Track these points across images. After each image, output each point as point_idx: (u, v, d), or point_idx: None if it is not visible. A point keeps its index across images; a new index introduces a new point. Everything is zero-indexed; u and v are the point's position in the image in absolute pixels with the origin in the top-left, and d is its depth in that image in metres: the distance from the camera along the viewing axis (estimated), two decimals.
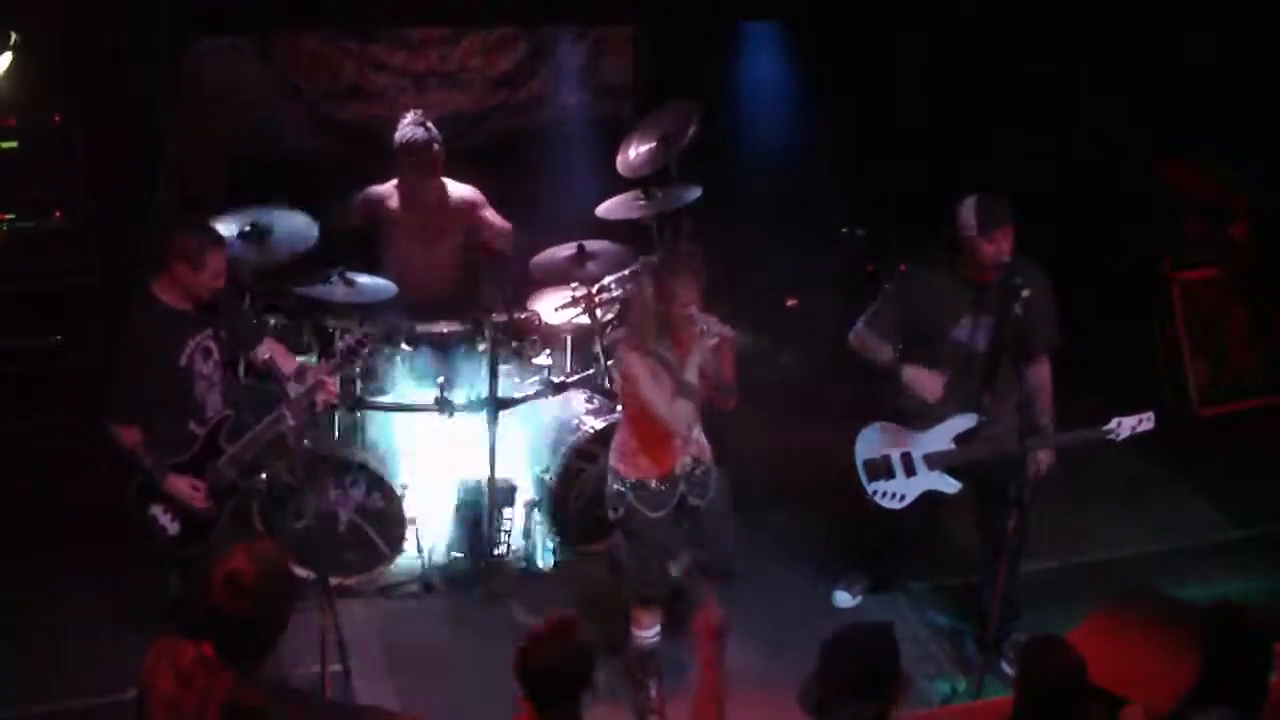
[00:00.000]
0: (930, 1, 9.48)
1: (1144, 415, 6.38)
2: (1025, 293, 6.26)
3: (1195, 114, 8.63)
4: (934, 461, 6.70)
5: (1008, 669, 6.67)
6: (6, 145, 7.92)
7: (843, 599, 7.34)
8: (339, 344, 6.77)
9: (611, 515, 6.48)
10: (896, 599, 7.39)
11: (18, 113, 7.89)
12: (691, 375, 6.18)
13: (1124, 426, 6.40)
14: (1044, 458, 6.62)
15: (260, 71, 9.21)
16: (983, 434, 6.61)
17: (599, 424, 7.33)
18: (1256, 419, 8.99)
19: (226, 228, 7.03)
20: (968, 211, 6.35)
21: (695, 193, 7.85)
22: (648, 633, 6.54)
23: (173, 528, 6.53)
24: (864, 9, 9.38)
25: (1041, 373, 6.68)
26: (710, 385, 6.33)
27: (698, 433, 6.48)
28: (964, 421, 6.62)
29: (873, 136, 9.59)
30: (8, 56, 7.51)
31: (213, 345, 6.54)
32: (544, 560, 7.49)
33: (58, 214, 8.07)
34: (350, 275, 7.26)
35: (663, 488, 6.38)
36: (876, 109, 9.69)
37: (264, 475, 6.65)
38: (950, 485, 6.74)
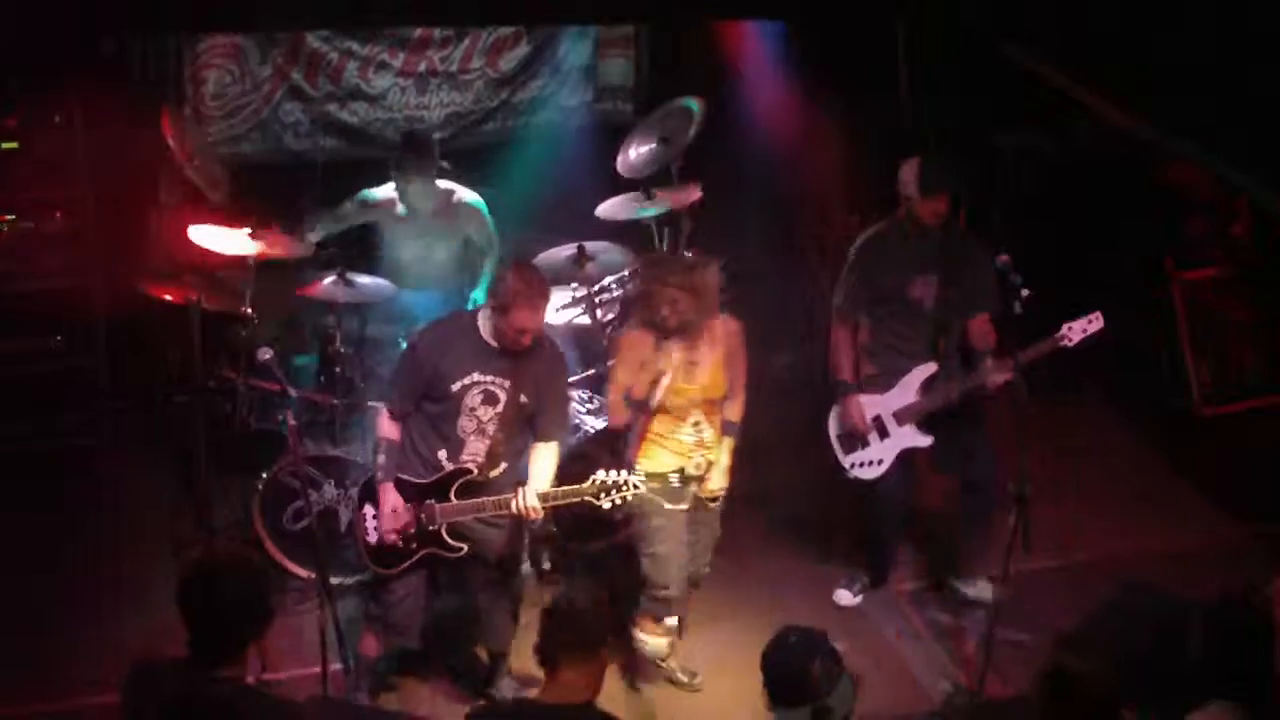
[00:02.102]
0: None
1: (1092, 316, 6.60)
2: (1025, 292, 6.36)
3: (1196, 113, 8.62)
4: (903, 417, 6.91)
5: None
6: (7, 145, 7.92)
7: (844, 597, 7.34)
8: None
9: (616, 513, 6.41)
10: (897, 599, 7.40)
11: (19, 114, 7.90)
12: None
13: (1075, 330, 6.59)
14: (996, 376, 6.76)
15: (261, 71, 9.22)
16: (942, 379, 6.88)
17: (599, 424, 7.33)
18: (1258, 418, 8.98)
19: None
20: (909, 172, 6.81)
21: (695, 193, 7.85)
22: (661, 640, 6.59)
23: (372, 536, 6.23)
24: (864, 8, 9.36)
25: (976, 323, 6.91)
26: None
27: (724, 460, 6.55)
28: (924, 370, 6.88)
29: (874, 136, 9.59)
30: None
31: (502, 395, 6.10)
32: (544, 559, 7.47)
33: (58, 214, 8.08)
34: (350, 276, 7.26)
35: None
36: (877, 108, 9.69)
37: (464, 547, 6.21)
38: (923, 439, 6.92)
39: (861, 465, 7.02)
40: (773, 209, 9.58)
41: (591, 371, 7.62)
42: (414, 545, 6.19)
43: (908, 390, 6.91)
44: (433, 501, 6.13)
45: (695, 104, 7.98)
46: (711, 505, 6.59)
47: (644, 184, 7.85)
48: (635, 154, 8.01)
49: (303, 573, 7.13)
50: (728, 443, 6.52)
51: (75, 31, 7.97)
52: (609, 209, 7.83)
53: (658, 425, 6.37)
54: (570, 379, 7.50)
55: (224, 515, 7.43)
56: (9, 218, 8.01)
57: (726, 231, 8.56)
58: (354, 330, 7.40)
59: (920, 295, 6.90)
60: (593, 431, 7.32)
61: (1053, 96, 8.63)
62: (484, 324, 6.08)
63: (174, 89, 8.99)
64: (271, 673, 4.43)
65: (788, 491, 8.07)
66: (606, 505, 6.09)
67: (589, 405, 7.55)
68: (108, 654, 6.61)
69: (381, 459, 6.15)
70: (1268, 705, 4.60)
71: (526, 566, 6.96)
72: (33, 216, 8.04)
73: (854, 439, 7.01)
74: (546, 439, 6.26)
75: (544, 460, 6.24)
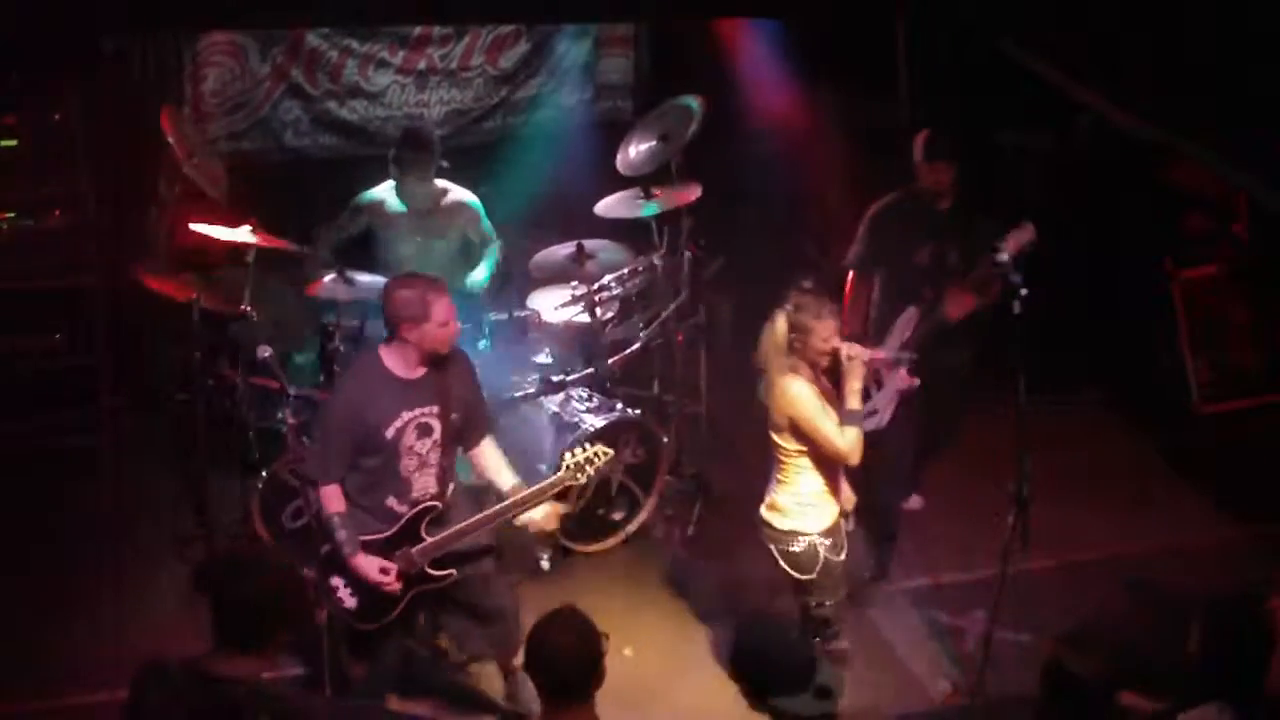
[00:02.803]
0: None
1: (1024, 226, 6.72)
2: (1024, 291, 6.38)
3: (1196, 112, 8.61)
4: (894, 363, 6.96)
5: None
6: (7, 143, 7.93)
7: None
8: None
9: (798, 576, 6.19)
10: (897, 597, 7.40)
11: (18, 111, 7.90)
12: (855, 402, 6.01)
13: (1008, 243, 6.61)
14: (954, 310, 7.11)
15: (260, 69, 9.22)
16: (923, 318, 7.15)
17: (599, 422, 7.33)
18: (1257, 417, 8.98)
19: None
20: (919, 141, 7.25)
21: (695, 191, 7.85)
22: None
23: (350, 601, 6.02)
24: (863, 6, 9.36)
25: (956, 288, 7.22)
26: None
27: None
28: (908, 316, 7.11)
29: (874, 134, 9.59)
30: None
31: (436, 424, 5.98)
32: (545, 560, 7.47)
33: (58, 212, 8.08)
34: (349, 274, 7.26)
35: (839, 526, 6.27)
36: (878, 106, 9.69)
37: (453, 571, 6.07)
38: (913, 381, 6.93)
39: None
40: (772, 207, 9.57)
41: (591, 370, 7.61)
42: (400, 592, 6.02)
43: (895, 337, 7.09)
44: (407, 547, 5.97)
45: (695, 102, 7.98)
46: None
47: (643, 182, 7.84)
48: (635, 152, 8.00)
49: (302, 571, 7.12)
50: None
51: (75, 29, 7.98)
52: (608, 207, 7.82)
53: (817, 472, 6.16)
54: (572, 377, 7.53)
55: (224, 513, 7.43)
56: (9, 215, 8.02)
57: (726, 230, 8.56)
58: (353, 328, 7.40)
59: (923, 261, 7.24)
60: (593, 430, 7.30)
61: (1053, 95, 8.65)
62: (392, 360, 5.91)
63: (174, 86, 8.99)
64: (272, 671, 4.39)
65: None
66: (583, 480, 6.08)
67: (588, 404, 7.54)
68: (107, 652, 6.58)
69: (341, 534, 5.88)
70: (1259, 707, 4.60)
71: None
72: (33, 214, 8.04)
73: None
74: (482, 438, 6.23)
75: (496, 460, 6.22)
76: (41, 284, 8.06)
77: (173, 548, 7.47)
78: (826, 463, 6.09)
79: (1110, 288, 8.94)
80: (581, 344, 7.75)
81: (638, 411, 7.57)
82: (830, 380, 6.12)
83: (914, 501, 7.92)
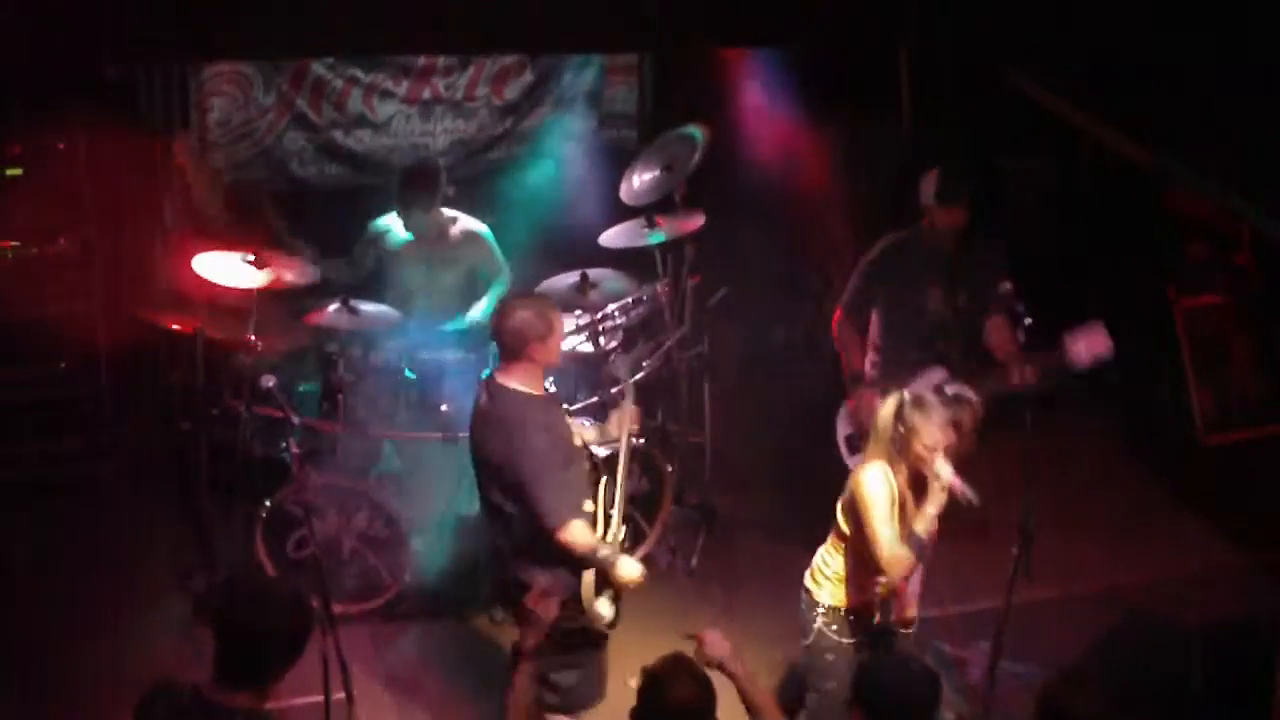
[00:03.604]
0: (934, 27, 9.49)
1: (1094, 328, 6.79)
2: (1028, 320, 6.41)
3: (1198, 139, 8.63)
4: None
5: None
6: (12, 172, 7.94)
7: None
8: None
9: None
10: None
11: (23, 140, 7.92)
12: (922, 527, 5.62)
13: (1080, 347, 6.73)
14: (1027, 374, 6.73)
15: (265, 99, 9.25)
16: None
17: (603, 452, 7.31)
18: (1261, 446, 8.97)
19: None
20: (929, 181, 7.01)
21: (699, 220, 7.86)
22: None
23: (609, 614, 5.93)
24: (867, 35, 9.39)
25: (994, 327, 7.06)
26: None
27: (913, 588, 6.08)
28: (933, 375, 6.84)
29: (878, 162, 9.61)
30: None
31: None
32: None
33: (62, 240, 8.09)
34: (354, 303, 7.27)
35: (852, 618, 5.91)
36: (881, 134, 9.71)
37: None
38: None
39: None
40: (775, 236, 9.58)
41: (595, 399, 7.61)
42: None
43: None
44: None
45: (699, 132, 7.99)
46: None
47: (648, 211, 7.86)
48: (639, 181, 8.01)
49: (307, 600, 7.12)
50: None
51: (79, 58, 8.01)
52: (612, 236, 7.84)
53: (856, 559, 5.84)
54: (575, 406, 7.53)
55: (227, 543, 7.43)
56: (13, 244, 8.02)
57: (729, 259, 8.57)
58: (358, 358, 7.40)
59: (932, 304, 7.10)
60: (598, 460, 7.28)
61: (1055, 122, 8.66)
62: (525, 382, 5.85)
63: (179, 116, 9.01)
64: (273, 701, 4.38)
65: (792, 516, 8.07)
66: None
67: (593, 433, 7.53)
68: (107, 680, 6.60)
69: (605, 552, 5.74)
70: None
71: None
72: (37, 242, 8.05)
73: (861, 439, 6.94)
74: None
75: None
76: (45, 312, 8.06)
77: (175, 578, 7.46)
78: (866, 559, 5.72)
79: (1112, 316, 8.92)
80: (586, 373, 7.75)
81: (642, 440, 7.57)
82: (912, 488, 5.71)
83: None
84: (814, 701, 6.01)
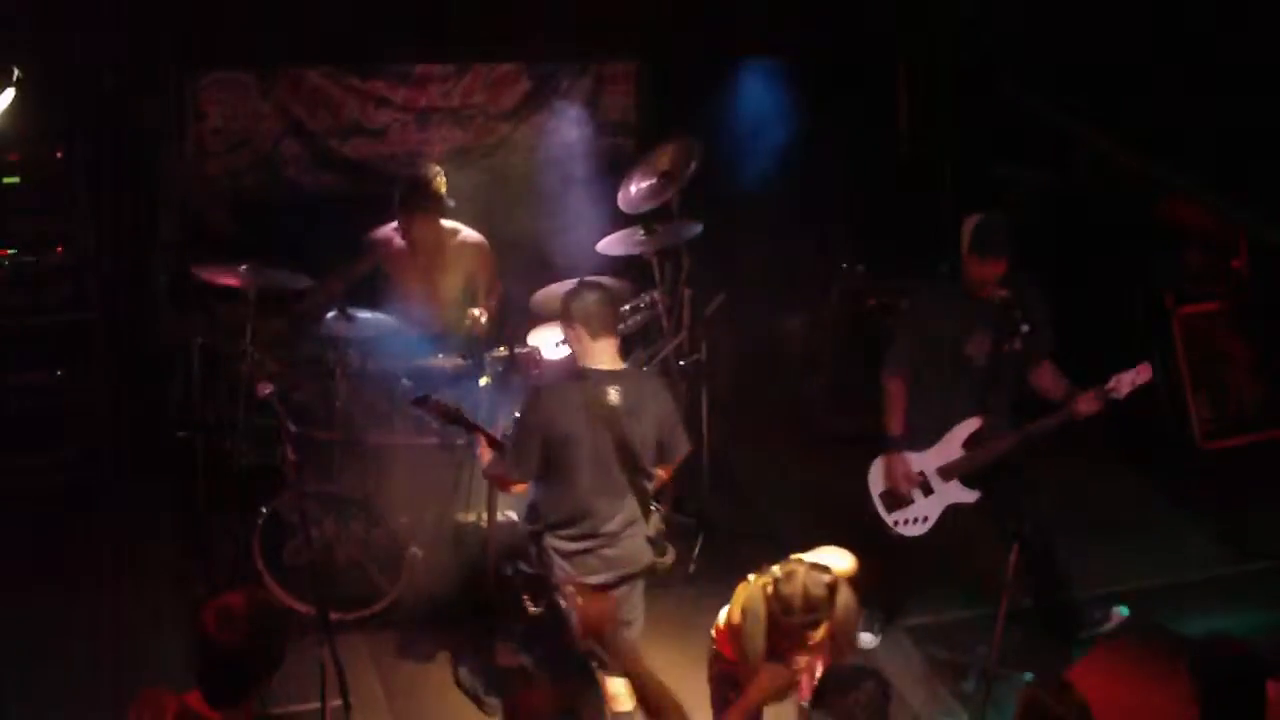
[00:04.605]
0: (930, 37, 9.51)
1: (1140, 368, 6.70)
2: (1025, 328, 6.43)
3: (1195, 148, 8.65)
4: (948, 473, 6.85)
5: None
6: (9, 180, 7.95)
7: (865, 639, 7.23)
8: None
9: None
10: (899, 634, 7.37)
11: (20, 148, 7.92)
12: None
13: (1123, 383, 6.67)
14: (1092, 403, 6.76)
15: (262, 107, 9.25)
16: (988, 434, 6.83)
17: None
18: (1258, 453, 8.97)
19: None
20: (967, 231, 6.70)
21: (696, 229, 7.86)
22: None
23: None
24: (863, 45, 9.41)
25: (1044, 372, 6.94)
26: None
27: None
28: (968, 426, 6.82)
29: (874, 171, 9.62)
30: (10, 93, 7.52)
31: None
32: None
33: (59, 249, 8.09)
34: (351, 310, 7.27)
35: None
36: (878, 144, 9.72)
37: None
38: (969, 494, 6.88)
39: (906, 523, 6.95)
40: (773, 244, 9.58)
41: None
42: None
43: (952, 445, 6.87)
44: None
45: (695, 139, 8.00)
46: None
47: (644, 219, 7.86)
48: (636, 189, 8.01)
49: (302, 608, 7.11)
50: None
51: (78, 65, 8.03)
52: (610, 244, 7.84)
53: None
54: None
55: (224, 550, 7.42)
56: (10, 252, 8.02)
57: (726, 266, 8.57)
58: (355, 365, 7.40)
59: (973, 352, 6.81)
60: None
61: (1052, 130, 8.68)
62: (606, 360, 6.04)
63: (176, 124, 9.01)
64: (273, 709, 4.40)
65: (789, 524, 8.07)
66: None
67: None
68: (105, 689, 6.60)
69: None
70: None
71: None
72: (34, 251, 8.06)
73: (896, 496, 6.93)
74: None
75: None
76: (43, 320, 8.06)
77: (172, 585, 7.46)
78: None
79: (1110, 323, 8.94)
80: None
81: None
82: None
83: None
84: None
